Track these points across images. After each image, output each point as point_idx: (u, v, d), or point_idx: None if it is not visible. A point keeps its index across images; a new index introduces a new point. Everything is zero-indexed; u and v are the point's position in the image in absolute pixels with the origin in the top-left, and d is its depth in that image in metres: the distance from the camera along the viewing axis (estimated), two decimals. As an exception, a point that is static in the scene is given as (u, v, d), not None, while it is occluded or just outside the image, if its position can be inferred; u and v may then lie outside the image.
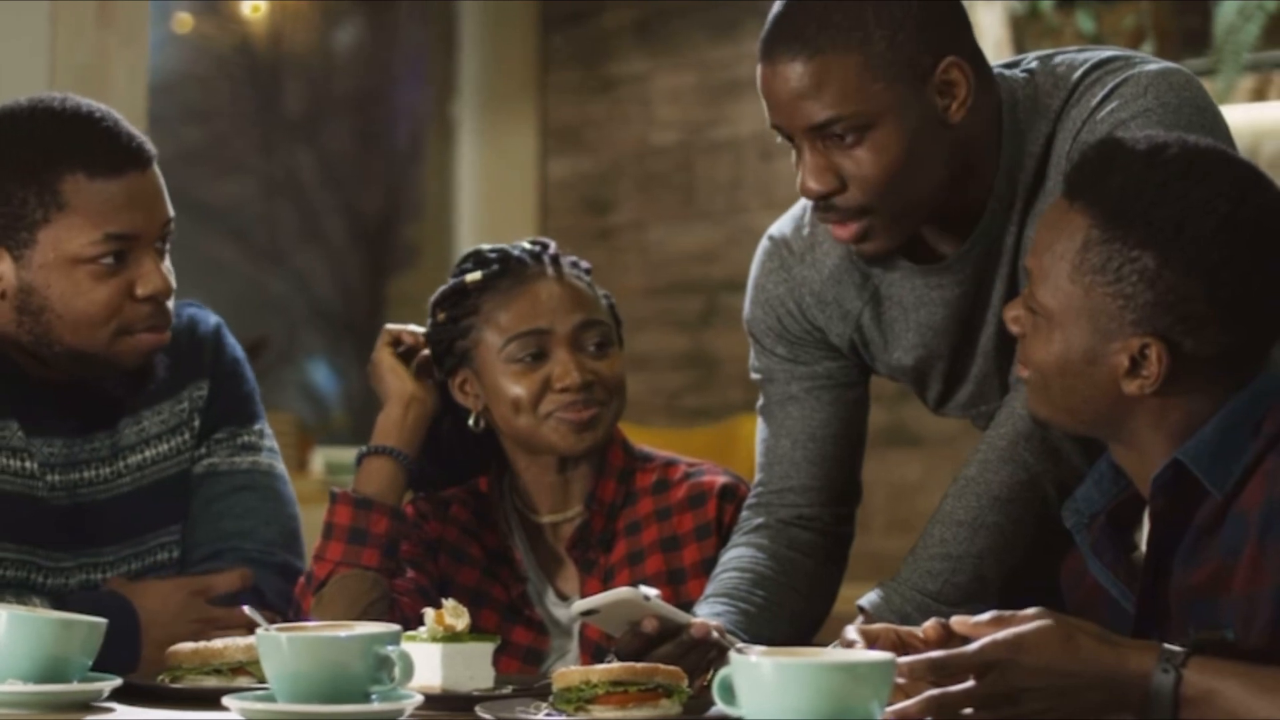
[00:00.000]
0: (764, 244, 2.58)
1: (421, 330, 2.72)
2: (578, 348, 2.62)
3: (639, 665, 2.04)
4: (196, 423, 2.69)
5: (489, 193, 6.79)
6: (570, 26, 6.76)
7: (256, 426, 2.73)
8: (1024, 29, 5.57)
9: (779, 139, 2.34)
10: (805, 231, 2.53)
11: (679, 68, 6.51)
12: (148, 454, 2.66)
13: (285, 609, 2.59)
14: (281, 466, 2.73)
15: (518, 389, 2.62)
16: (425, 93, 7.07)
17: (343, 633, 2.00)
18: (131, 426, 2.65)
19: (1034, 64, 2.42)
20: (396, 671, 1.98)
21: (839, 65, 2.26)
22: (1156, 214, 2.02)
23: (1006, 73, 2.40)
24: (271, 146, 6.85)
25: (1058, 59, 2.41)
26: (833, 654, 1.85)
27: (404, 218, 7.14)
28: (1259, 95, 5.18)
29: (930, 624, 1.96)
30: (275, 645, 1.98)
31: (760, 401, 2.60)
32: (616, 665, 2.04)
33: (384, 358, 2.68)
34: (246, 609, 2.15)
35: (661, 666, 2.05)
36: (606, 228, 6.59)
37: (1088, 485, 2.19)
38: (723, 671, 1.80)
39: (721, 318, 6.40)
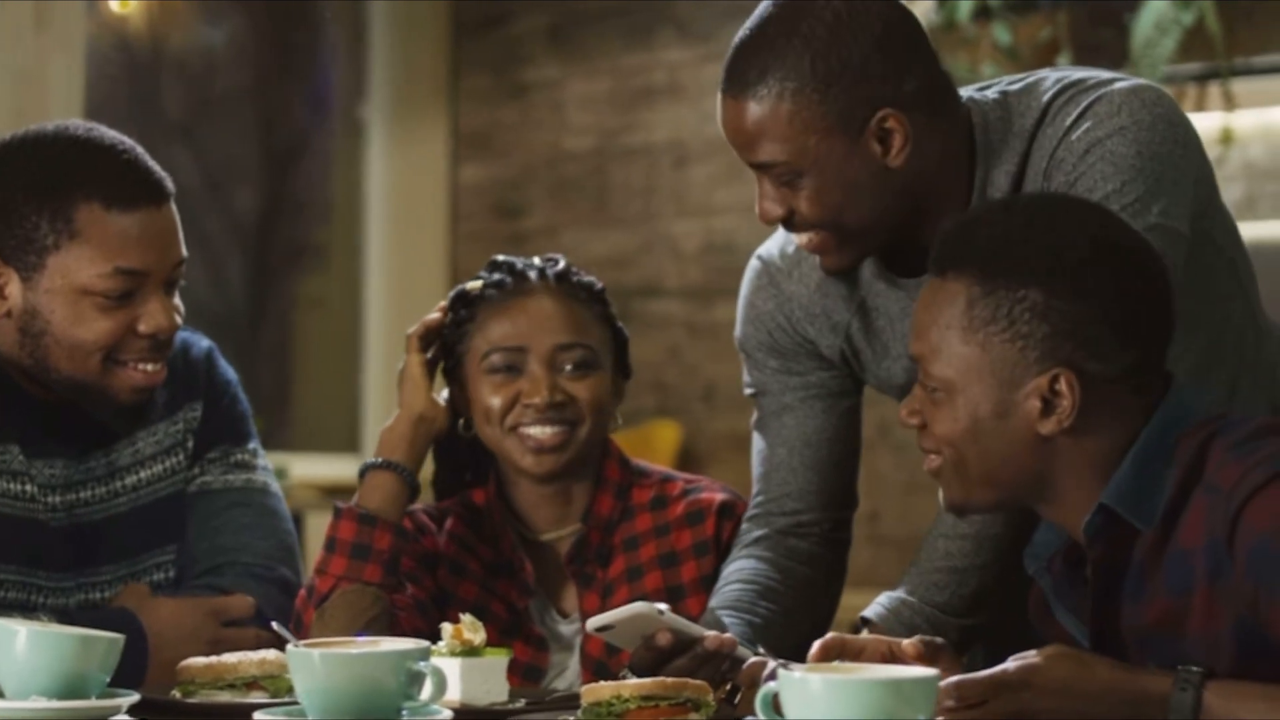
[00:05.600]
0: (752, 264, 2.63)
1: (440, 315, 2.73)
2: (554, 367, 2.64)
3: (669, 679, 2.07)
4: (190, 443, 2.69)
5: (399, 196, 6.78)
6: (482, 31, 6.76)
7: (250, 446, 2.74)
8: (940, 40, 5.63)
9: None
10: (790, 249, 2.58)
11: (592, 74, 6.52)
12: (143, 474, 2.66)
13: (285, 623, 2.58)
14: (276, 485, 2.74)
15: (491, 399, 2.65)
16: (332, 94, 7.04)
17: (375, 649, 2.01)
18: (127, 448, 2.65)
19: (1005, 86, 2.48)
20: (429, 687, 2.00)
21: (772, 114, 2.31)
22: (1030, 251, 2.06)
23: (977, 96, 2.46)
24: (153, 147, 6.78)
25: (1029, 80, 2.47)
26: (878, 669, 1.88)
27: (293, 218, 7.08)
28: (1174, 108, 5.28)
29: (910, 642, 2.02)
30: (308, 661, 1.99)
31: (754, 417, 2.64)
32: (648, 680, 2.06)
33: (409, 365, 2.68)
34: (275, 625, 2.16)
35: (691, 681, 2.08)
36: (518, 233, 6.59)
37: (1043, 530, 2.20)
38: (767, 687, 1.83)
39: (634, 325, 6.36)
